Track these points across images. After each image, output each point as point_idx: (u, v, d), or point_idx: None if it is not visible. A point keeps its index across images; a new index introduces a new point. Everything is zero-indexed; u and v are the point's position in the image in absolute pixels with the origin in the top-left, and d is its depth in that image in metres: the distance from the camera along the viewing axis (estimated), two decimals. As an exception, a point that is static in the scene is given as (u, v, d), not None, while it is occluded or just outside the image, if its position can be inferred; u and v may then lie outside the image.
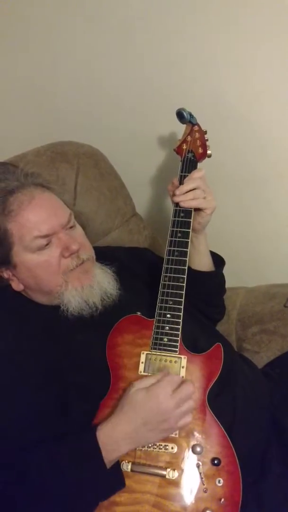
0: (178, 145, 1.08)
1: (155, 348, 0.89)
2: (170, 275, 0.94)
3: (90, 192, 1.32)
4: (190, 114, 1.07)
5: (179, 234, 0.97)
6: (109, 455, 0.77)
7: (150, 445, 0.82)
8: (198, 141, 1.07)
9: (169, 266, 0.95)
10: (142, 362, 0.88)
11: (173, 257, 0.96)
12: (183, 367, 0.88)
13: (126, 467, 0.81)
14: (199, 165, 1.06)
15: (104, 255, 1.04)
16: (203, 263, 1.10)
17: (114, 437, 0.78)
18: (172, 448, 0.83)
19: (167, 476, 0.80)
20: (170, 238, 0.97)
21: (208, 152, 1.06)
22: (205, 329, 1.07)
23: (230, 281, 1.20)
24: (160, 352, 0.89)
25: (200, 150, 1.06)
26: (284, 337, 1.17)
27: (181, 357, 0.88)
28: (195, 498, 0.80)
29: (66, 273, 0.93)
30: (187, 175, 1.01)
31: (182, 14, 1.19)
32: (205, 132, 1.09)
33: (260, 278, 1.43)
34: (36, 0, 1.33)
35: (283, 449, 0.95)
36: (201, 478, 0.81)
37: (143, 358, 0.89)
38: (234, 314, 1.29)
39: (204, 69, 1.24)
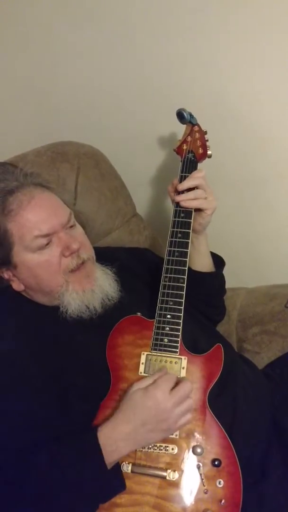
0: (178, 145, 1.08)
1: (155, 349, 0.89)
2: (170, 275, 0.94)
3: (91, 193, 1.32)
4: (190, 114, 1.07)
5: (179, 235, 0.97)
6: (109, 456, 0.77)
7: (150, 446, 0.82)
8: (198, 141, 1.07)
9: (169, 266, 0.95)
10: (142, 363, 0.88)
11: (173, 258, 0.96)
12: (183, 368, 0.87)
13: (127, 468, 0.81)
14: (199, 165, 1.05)
15: (104, 255, 1.04)
16: (203, 264, 1.10)
17: (114, 438, 0.78)
18: (172, 449, 0.83)
19: (167, 477, 0.80)
20: (171, 238, 0.97)
21: (209, 152, 1.06)
22: (205, 330, 1.07)
23: (230, 282, 1.20)
24: (161, 353, 0.89)
25: (200, 151, 1.06)
26: (284, 337, 1.17)
27: (181, 358, 0.88)
28: (195, 499, 0.80)
29: (66, 273, 0.93)
30: (188, 176, 1.01)
31: (182, 14, 1.19)
32: (205, 133, 1.09)
33: (261, 279, 1.43)
34: (36, 2, 1.33)
35: (283, 450, 0.95)
36: (202, 479, 0.81)
37: (143, 359, 0.89)
38: (234, 314, 1.29)
39: (204, 69, 1.24)
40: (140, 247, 1.38)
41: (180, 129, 1.12)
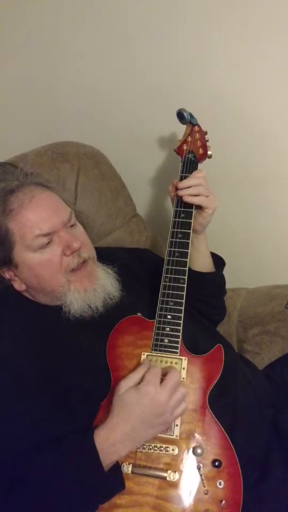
0: (179, 145, 1.08)
1: (155, 350, 0.89)
2: (170, 276, 0.94)
3: (91, 193, 1.32)
4: (191, 115, 1.07)
5: (179, 235, 0.97)
6: (108, 459, 0.77)
7: (150, 447, 0.82)
8: (198, 141, 1.07)
9: (170, 267, 0.95)
10: (142, 364, 0.88)
11: (173, 258, 0.96)
12: (183, 368, 0.87)
13: (127, 469, 0.81)
14: (199, 165, 1.05)
15: (104, 256, 1.04)
16: (203, 264, 1.10)
17: (112, 440, 0.78)
18: (172, 450, 0.82)
19: (167, 478, 0.80)
20: (171, 239, 0.97)
21: (209, 152, 1.06)
22: (205, 330, 1.07)
23: (230, 282, 1.20)
24: (161, 354, 0.88)
25: (201, 151, 1.06)
26: (285, 338, 1.17)
27: (181, 359, 0.88)
28: (195, 500, 0.80)
29: (68, 272, 0.93)
30: (188, 176, 1.01)
31: (183, 15, 1.19)
32: (206, 133, 1.09)
33: (261, 279, 1.42)
34: (36, 1, 1.33)
35: (284, 450, 0.95)
36: (202, 480, 0.81)
37: (143, 359, 0.88)
38: (234, 315, 1.29)
39: (205, 70, 1.24)
40: (140, 247, 1.38)
41: (181, 130, 1.12)
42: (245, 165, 1.36)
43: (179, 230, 0.97)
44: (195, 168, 1.04)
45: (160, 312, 0.91)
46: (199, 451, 0.82)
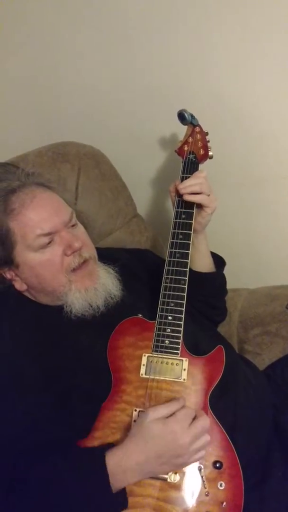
0: (180, 146, 1.08)
1: (156, 351, 0.89)
2: (171, 277, 0.94)
3: (92, 193, 1.32)
4: (192, 115, 1.07)
5: (180, 236, 0.97)
6: (116, 483, 0.76)
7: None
8: (199, 142, 1.07)
9: (171, 267, 0.95)
10: (143, 365, 0.88)
11: (174, 259, 0.95)
12: (184, 369, 0.87)
13: (128, 470, 0.80)
14: (200, 166, 1.05)
15: (105, 256, 1.04)
16: (203, 264, 1.10)
17: (124, 466, 0.76)
18: (174, 451, 0.82)
19: (168, 480, 0.80)
20: (171, 239, 0.97)
21: (210, 153, 1.06)
22: (206, 331, 1.07)
23: (231, 283, 1.20)
24: (162, 355, 0.88)
25: (202, 152, 1.05)
26: (285, 339, 1.17)
27: (182, 360, 0.88)
28: (196, 502, 0.79)
29: (69, 272, 0.93)
30: (189, 177, 1.01)
31: (183, 15, 1.19)
32: (207, 134, 1.09)
33: (262, 280, 1.42)
34: (37, 2, 1.33)
35: (285, 451, 0.95)
36: (203, 481, 0.80)
37: (144, 360, 0.88)
38: (235, 315, 1.28)
39: (206, 70, 1.24)
40: (141, 248, 1.38)
41: (182, 130, 1.12)
42: (245, 165, 1.35)
43: (179, 231, 0.97)
44: (196, 169, 1.04)
45: (161, 313, 0.91)
46: (200, 452, 0.82)
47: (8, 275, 0.96)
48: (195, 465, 0.81)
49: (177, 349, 0.88)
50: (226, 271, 1.16)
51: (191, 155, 1.05)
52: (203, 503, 0.79)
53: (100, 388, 0.87)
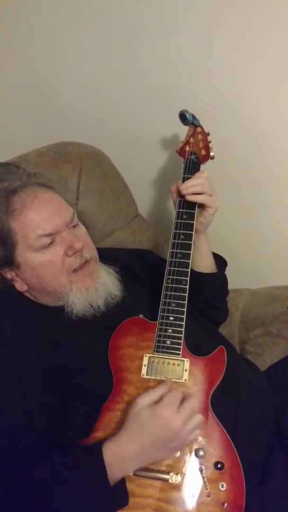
0: (181, 146, 1.08)
1: (158, 351, 0.89)
2: (173, 277, 0.94)
3: (93, 193, 1.32)
4: (193, 116, 1.07)
5: (181, 236, 0.97)
6: (115, 475, 0.76)
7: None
8: (201, 142, 1.06)
9: (172, 268, 0.95)
10: (144, 365, 0.88)
11: (175, 259, 0.95)
12: (186, 370, 0.87)
13: (129, 471, 0.80)
14: (202, 167, 1.05)
15: (106, 257, 1.04)
16: (205, 264, 1.10)
17: (121, 457, 0.76)
18: (175, 452, 0.82)
19: (169, 480, 0.80)
20: (173, 240, 0.97)
21: (211, 154, 1.06)
22: (208, 332, 1.07)
23: (232, 283, 1.20)
24: (163, 355, 0.88)
25: (203, 152, 1.05)
26: (287, 339, 1.17)
27: (184, 360, 0.88)
28: (197, 503, 0.79)
29: (69, 273, 0.93)
30: (190, 177, 1.00)
31: (183, 16, 1.19)
32: (208, 134, 1.09)
33: (263, 280, 1.42)
34: (37, 2, 1.33)
35: (286, 451, 0.95)
36: (204, 482, 0.80)
37: (145, 361, 0.88)
38: (237, 316, 1.28)
39: (207, 71, 1.24)
40: (142, 248, 1.38)
41: (183, 131, 1.12)
42: (247, 166, 1.35)
43: (181, 231, 0.97)
44: (198, 169, 1.03)
45: (162, 314, 0.91)
46: (201, 453, 0.82)
47: (9, 275, 0.96)
48: (196, 466, 0.81)
49: (178, 349, 0.88)
50: (227, 271, 1.16)
51: (193, 155, 1.05)
52: (205, 504, 0.79)
53: (101, 389, 0.87)
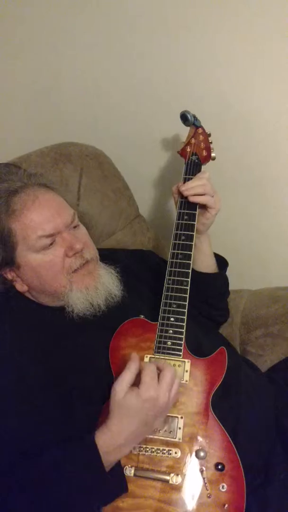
0: (182, 147, 1.08)
1: (158, 352, 0.89)
2: (174, 278, 0.94)
3: (94, 194, 1.32)
4: (194, 117, 1.07)
5: (183, 237, 0.97)
6: (111, 459, 0.77)
7: (153, 449, 0.82)
8: (202, 143, 1.06)
9: (173, 269, 0.95)
10: (145, 366, 0.88)
11: (177, 260, 0.95)
12: (186, 371, 0.87)
13: (129, 471, 0.80)
14: (203, 167, 1.05)
15: (107, 257, 1.04)
16: (206, 265, 1.10)
17: (115, 444, 0.76)
18: (175, 453, 0.82)
19: (170, 481, 0.80)
20: (174, 241, 0.97)
21: (212, 154, 1.06)
22: (208, 333, 1.07)
23: (233, 284, 1.20)
24: (164, 356, 0.88)
25: (204, 153, 1.05)
26: (288, 340, 1.17)
27: (184, 361, 0.88)
28: (198, 504, 0.79)
29: (70, 273, 0.93)
30: (192, 178, 1.01)
31: (184, 17, 1.19)
32: (209, 135, 1.09)
33: (264, 281, 1.42)
34: (38, 2, 1.33)
35: (287, 453, 0.94)
36: (205, 483, 0.80)
37: (146, 361, 0.88)
38: (238, 317, 1.28)
39: (209, 72, 1.24)
40: (143, 249, 1.37)
41: (184, 132, 1.12)
42: (248, 167, 1.35)
43: (182, 232, 0.97)
44: (199, 170, 1.04)
45: (163, 315, 0.91)
46: (202, 454, 0.82)
47: (9, 276, 0.96)
48: (197, 467, 0.81)
49: (179, 350, 0.88)
50: (229, 272, 1.16)
51: (194, 156, 1.05)
52: (205, 505, 0.79)
53: (101, 389, 0.86)
